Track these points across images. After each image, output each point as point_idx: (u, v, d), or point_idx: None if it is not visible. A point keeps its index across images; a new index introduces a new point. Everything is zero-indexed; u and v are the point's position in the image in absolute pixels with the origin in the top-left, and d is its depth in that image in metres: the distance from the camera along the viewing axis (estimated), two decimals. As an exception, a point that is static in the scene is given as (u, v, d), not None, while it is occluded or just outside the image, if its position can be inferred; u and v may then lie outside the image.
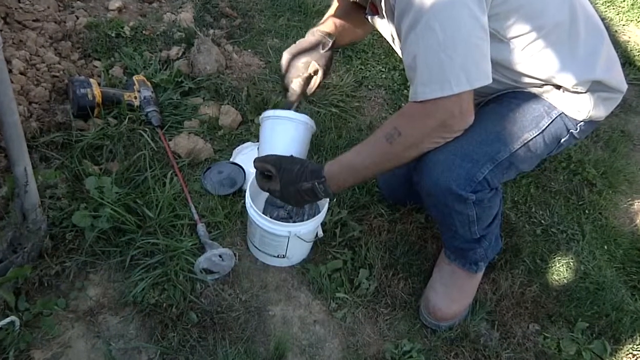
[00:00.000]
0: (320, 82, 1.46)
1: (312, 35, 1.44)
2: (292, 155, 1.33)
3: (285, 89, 1.45)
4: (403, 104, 2.22)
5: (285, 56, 1.44)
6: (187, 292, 1.42)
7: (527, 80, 1.28)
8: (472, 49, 1.08)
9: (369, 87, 2.30)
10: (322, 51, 1.43)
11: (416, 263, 1.64)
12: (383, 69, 2.40)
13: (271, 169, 1.29)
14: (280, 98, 2.04)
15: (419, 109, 1.14)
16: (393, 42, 1.36)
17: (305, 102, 2.05)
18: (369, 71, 2.37)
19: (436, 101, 1.10)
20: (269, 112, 1.41)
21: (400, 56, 1.26)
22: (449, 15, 1.05)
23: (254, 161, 1.35)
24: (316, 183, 1.25)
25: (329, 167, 1.26)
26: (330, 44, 1.43)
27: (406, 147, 1.17)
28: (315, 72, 1.44)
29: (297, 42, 1.45)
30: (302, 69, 1.43)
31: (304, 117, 1.39)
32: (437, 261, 1.59)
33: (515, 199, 1.93)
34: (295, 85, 1.43)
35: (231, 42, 2.31)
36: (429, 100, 1.10)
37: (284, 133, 1.38)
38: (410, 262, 1.64)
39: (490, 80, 1.12)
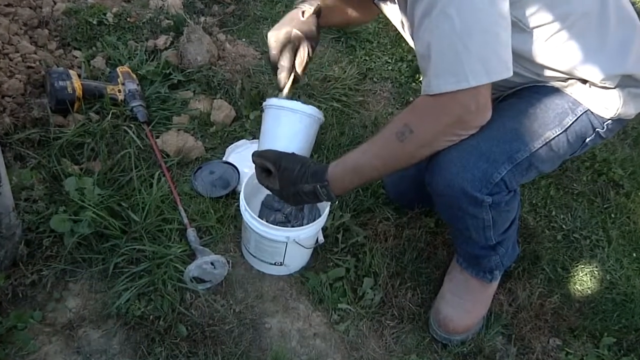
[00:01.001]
0: (308, 54, 1.42)
1: (296, 7, 1.42)
2: (294, 153, 1.32)
3: (275, 69, 1.43)
4: (411, 98, 2.22)
5: (272, 35, 1.41)
6: (175, 302, 1.42)
7: (550, 73, 1.27)
8: (492, 38, 1.07)
9: (374, 79, 2.30)
10: (302, 18, 1.40)
11: (425, 271, 1.64)
12: (389, 60, 2.39)
13: (270, 167, 1.29)
14: (277, 92, 2.02)
15: (432, 104, 1.13)
16: (403, 29, 1.35)
17: (304, 96, 2.04)
18: (374, 62, 2.37)
19: (451, 95, 1.09)
20: (274, 100, 1.39)
21: (411, 45, 1.25)
22: (467, 1, 1.04)
23: (253, 155, 1.34)
24: (318, 186, 1.25)
25: (333, 168, 1.25)
26: (312, 11, 1.40)
27: (419, 145, 1.16)
28: (299, 41, 1.40)
29: (280, 20, 1.43)
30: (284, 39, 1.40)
31: (310, 109, 1.37)
32: (449, 269, 1.59)
33: (534, 201, 1.92)
34: (283, 60, 1.40)
35: (224, 30, 2.30)
36: (444, 93, 1.09)
37: (288, 126, 1.36)
38: (419, 270, 1.64)
39: (511, 73, 1.11)
